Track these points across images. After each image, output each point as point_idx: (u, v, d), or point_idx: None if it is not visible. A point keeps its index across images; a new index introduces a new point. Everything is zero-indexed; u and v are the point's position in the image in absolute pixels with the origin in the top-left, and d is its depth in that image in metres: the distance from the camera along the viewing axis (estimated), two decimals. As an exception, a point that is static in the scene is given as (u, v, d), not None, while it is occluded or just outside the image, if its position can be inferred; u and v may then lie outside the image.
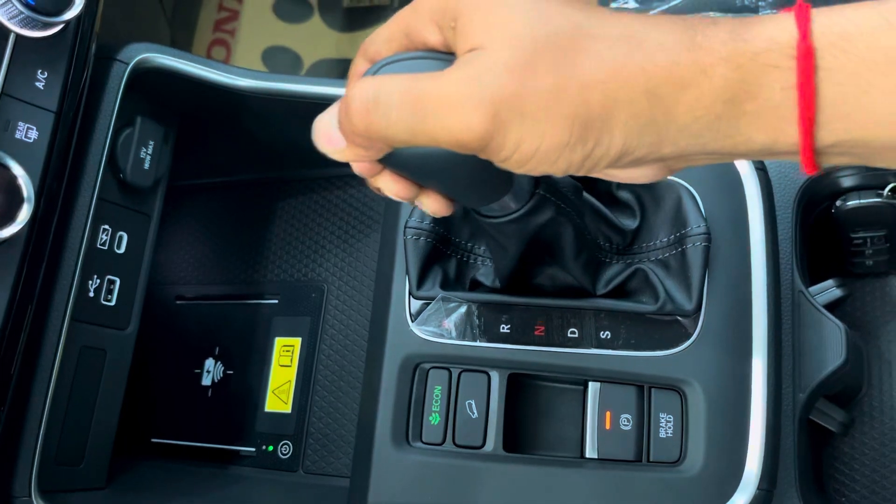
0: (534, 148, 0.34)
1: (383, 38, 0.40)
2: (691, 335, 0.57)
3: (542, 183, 0.47)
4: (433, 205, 0.43)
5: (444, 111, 0.34)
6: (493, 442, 0.57)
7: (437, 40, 0.38)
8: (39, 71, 0.53)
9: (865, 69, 0.31)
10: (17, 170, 0.50)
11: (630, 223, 0.59)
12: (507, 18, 0.34)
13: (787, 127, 0.33)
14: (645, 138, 0.34)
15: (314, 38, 1.53)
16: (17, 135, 0.51)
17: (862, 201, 0.67)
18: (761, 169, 0.61)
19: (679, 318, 0.57)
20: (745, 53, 0.33)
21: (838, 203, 0.68)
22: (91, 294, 0.63)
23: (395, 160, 0.40)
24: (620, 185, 0.60)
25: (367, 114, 0.36)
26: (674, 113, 0.34)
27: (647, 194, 0.60)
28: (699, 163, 0.38)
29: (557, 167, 0.35)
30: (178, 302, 0.80)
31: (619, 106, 0.33)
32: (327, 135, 0.38)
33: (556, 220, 0.49)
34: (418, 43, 0.39)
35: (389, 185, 0.42)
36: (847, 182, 0.68)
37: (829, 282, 0.68)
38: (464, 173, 0.41)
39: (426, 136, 0.35)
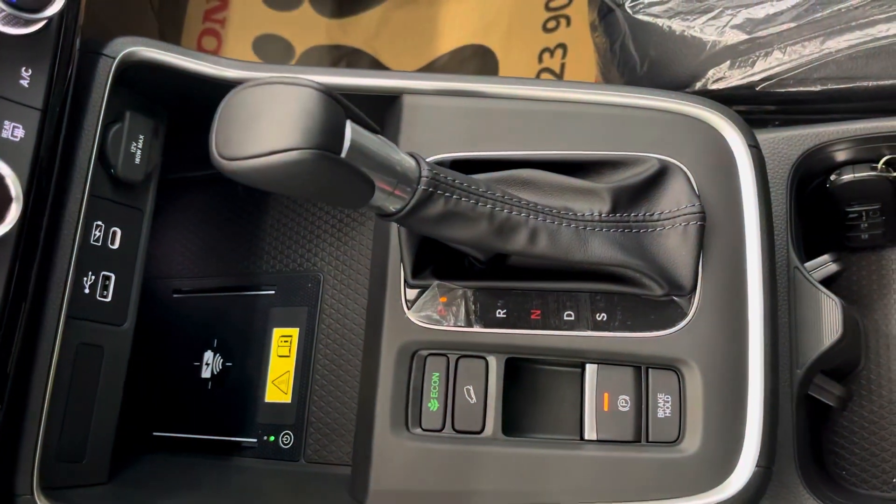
0: None
1: None
2: (687, 315, 0.57)
3: (423, 178, 0.48)
4: None
5: None
6: (492, 426, 0.58)
7: None
8: (24, 69, 0.52)
9: None
10: (4, 169, 0.49)
11: (602, 184, 0.58)
12: None
13: None
14: None
15: (305, 25, 1.52)
16: (4, 134, 0.51)
17: (857, 175, 0.67)
18: (754, 146, 0.61)
19: (675, 298, 0.57)
20: None
21: (833, 177, 0.68)
22: (86, 291, 0.63)
23: (239, 174, 0.43)
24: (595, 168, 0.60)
25: None
26: None
27: (632, 169, 0.59)
28: None
29: None
30: (175, 295, 0.80)
31: None
32: None
33: (455, 210, 0.50)
34: None
35: None
36: (841, 156, 0.68)
37: (825, 257, 0.68)
38: (306, 182, 0.44)
39: None
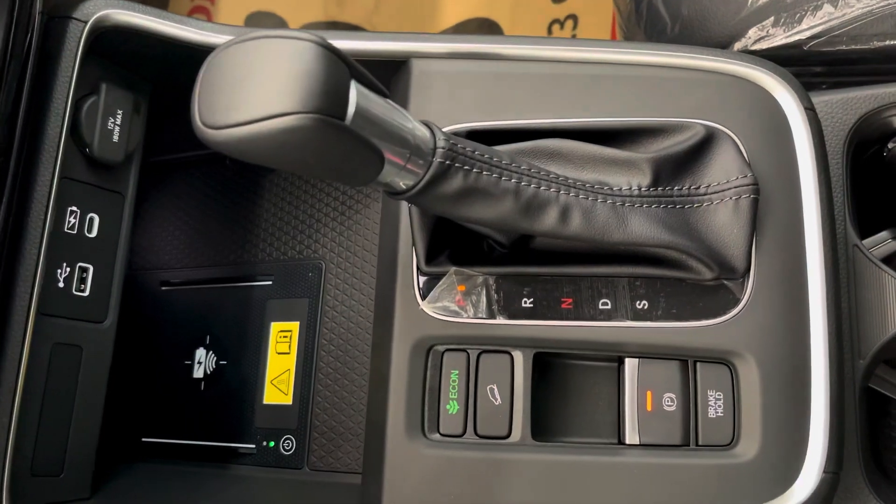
0: None
1: None
2: (740, 301, 0.50)
3: (439, 149, 0.42)
4: None
5: None
6: (520, 430, 0.51)
7: None
8: (-27, 30, 0.45)
9: None
10: (-48, 145, 0.43)
11: (641, 154, 0.51)
12: None
13: None
14: None
15: (300, 0, 1.45)
16: (-49, 104, 0.44)
17: (919, 142, 0.60)
18: (810, 109, 0.54)
19: (725, 281, 0.51)
20: None
21: (890, 145, 0.62)
22: (60, 284, 0.57)
23: (226, 145, 0.37)
24: (632, 137, 0.53)
25: None
26: None
27: (674, 136, 0.53)
28: None
29: None
30: (163, 288, 0.73)
31: None
32: None
33: (476, 186, 0.44)
34: None
35: None
36: (900, 121, 0.61)
37: (884, 233, 0.62)
38: (305, 153, 0.38)
39: None
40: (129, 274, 0.62)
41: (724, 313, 0.50)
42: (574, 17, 1.34)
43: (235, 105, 0.37)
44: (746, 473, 0.49)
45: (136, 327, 0.71)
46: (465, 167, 0.44)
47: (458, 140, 0.44)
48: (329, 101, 0.37)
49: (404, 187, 0.43)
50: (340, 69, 0.38)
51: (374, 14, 1.43)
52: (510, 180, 0.45)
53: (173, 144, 0.75)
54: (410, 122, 0.42)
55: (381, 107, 0.40)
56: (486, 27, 1.38)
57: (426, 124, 0.44)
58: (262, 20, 1.43)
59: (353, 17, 1.44)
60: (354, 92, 0.39)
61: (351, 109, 0.38)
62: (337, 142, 0.38)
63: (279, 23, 1.44)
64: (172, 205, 0.75)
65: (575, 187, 0.47)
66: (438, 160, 0.42)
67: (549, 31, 1.35)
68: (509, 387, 0.52)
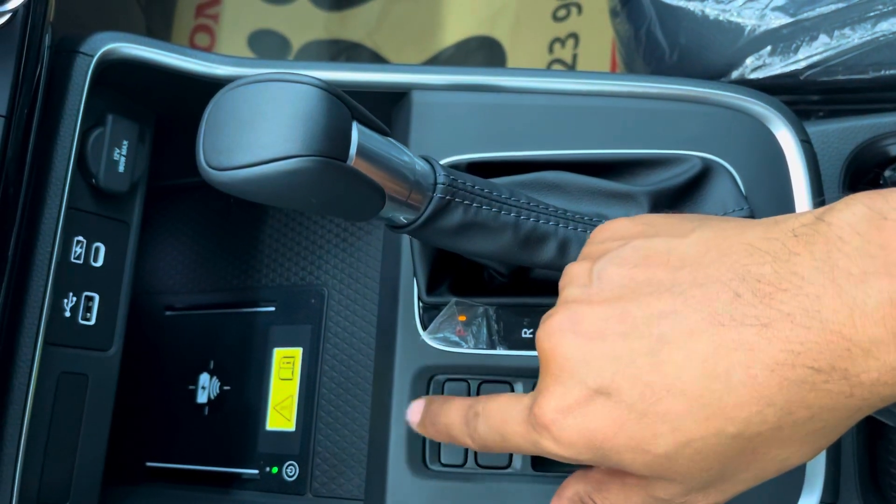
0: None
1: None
2: (737, 332, 0.51)
3: (439, 184, 0.43)
4: None
5: None
6: (520, 460, 0.52)
7: None
8: (-17, 69, 0.46)
9: None
10: (-38, 185, 0.43)
11: (639, 187, 0.52)
12: None
13: None
14: None
15: (302, 19, 1.46)
16: (-39, 144, 0.45)
17: (915, 171, 0.60)
18: (806, 141, 0.54)
19: (723, 313, 0.51)
20: None
21: (887, 173, 0.62)
22: (67, 314, 0.57)
23: (231, 186, 0.38)
24: (629, 169, 0.54)
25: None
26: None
27: (671, 169, 0.54)
28: None
29: None
30: (167, 313, 0.74)
31: None
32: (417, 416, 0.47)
33: (475, 220, 0.45)
34: None
35: None
36: (896, 150, 0.62)
37: (880, 262, 0.62)
38: (309, 193, 0.39)
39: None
40: (134, 298, 0.63)
41: (722, 344, 0.51)
42: (575, 36, 1.35)
43: (239, 147, 0.38)
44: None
45: (140, 352, 0.71)
46: (465, 202, 0.44)
47: (457, 175, 0.45)
48: (331, 144, 0.38)
49: (405, 221, 0.44)
50: (341, 111, 0.39)
51: (375, 32, 1.45)
52: (509, 214, 0.46)
53: (176, 170, 0.75)
54: (411, 158, 0.43)
55: (381, 145, 0.41)
56: (487, 45, 1.39)
57: (426, 159, 0.45)
58: (264, 38, 1.45)
59: (355, 35, 1.45)
60: (356, 133, 0.39)
61: (353, 150, 0.39)
62: (339, 182, 0.39)
63: (281, 41, 1.45)
64: (177, 230, 0.76)
65: (573, 220, 0.48)
66: (438, 195, 0.43)
67: (551, 49, 1.36)
68: None
